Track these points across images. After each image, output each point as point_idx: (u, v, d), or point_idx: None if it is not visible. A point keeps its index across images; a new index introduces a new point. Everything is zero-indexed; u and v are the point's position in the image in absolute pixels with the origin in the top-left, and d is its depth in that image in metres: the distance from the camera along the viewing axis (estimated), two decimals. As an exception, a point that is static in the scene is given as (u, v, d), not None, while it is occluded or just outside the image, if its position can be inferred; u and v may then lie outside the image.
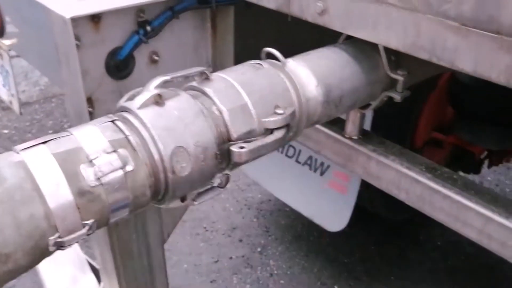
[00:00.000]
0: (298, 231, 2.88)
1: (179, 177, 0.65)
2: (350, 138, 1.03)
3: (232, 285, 2.55)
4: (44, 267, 1.55)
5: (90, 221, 0.59)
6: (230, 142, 0.70)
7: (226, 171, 0.75)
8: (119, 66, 1.10)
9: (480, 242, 0.89)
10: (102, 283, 1.49)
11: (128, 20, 1.08)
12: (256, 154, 0.70)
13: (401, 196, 0.97)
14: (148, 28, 1.10)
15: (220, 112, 0.70)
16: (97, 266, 1.57)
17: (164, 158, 0.63)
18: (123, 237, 1.18)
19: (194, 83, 0.73)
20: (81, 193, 0.58)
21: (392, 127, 2.27)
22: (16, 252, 0.54)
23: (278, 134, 0.72)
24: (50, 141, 0.60)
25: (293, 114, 0.75)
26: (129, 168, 0.61)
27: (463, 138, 2.51)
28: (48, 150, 0.59)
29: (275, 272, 2.63)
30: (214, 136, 0.68)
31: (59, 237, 0.57)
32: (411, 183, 0.94)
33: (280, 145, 0.73)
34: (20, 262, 0.55)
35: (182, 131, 0.65)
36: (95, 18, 1.03)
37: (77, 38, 1.00)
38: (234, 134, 0.70)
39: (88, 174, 0.58)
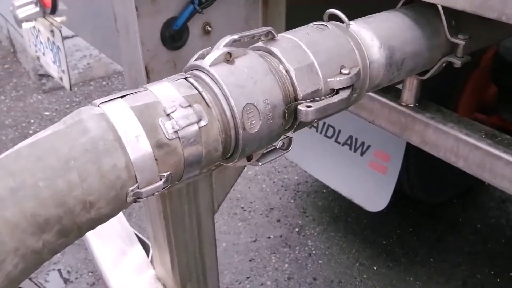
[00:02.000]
0: (335, 212, 2.88)
1: (249, 133, 0.66)
2: (406, 106, 1.02)
3: (271, 264, 2.57)
4: (93, 241, 1.60)
5: (166, 174, 0.60)
6: (297, 101, 0.70)
7: (289, 133, 0.75)
8: (174, 37, 1.11)
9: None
10: (150, 255, 1.52)
11: (183, -10, 1.09)
12: (323, 114, 0.70)
13: (460, 164, 0.95)
14: (203, -2, 1.11)
15: (287, 71, 0.70)
16: (145, 239, 1.61)
17: (235, 114, 0.64)
18: (175, 207, 1.20)
19: (260, 43, 0.74)
20: (159, 145, 0.59)
21: (436, 98, 2.23)
22: (99, 200, 0.56)
23: (344, 94, 0.72)
24: (127, 96, 0.62)
25: (358, 74, 0.75)
26: (203, 122, 0.62)
27: (506, 119, 2.45)
28: (126, 103, 0.60)
29: (314, 252, 2.64)
30: (282, 94, 0.69)
31: (138, 187, 0.59)
32: (471, 150, 0.93)
33: (345, 105, 0.73)
34: (102, 211, 0.57)
35: (252, 88, 0.66)
36: (152, -12, 1.04)
37: (136, 7, 1.01)
38: (301, 93, 0.70)
39: (166, 127, 0.60)
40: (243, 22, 1.22)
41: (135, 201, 0.61)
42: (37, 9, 1.58)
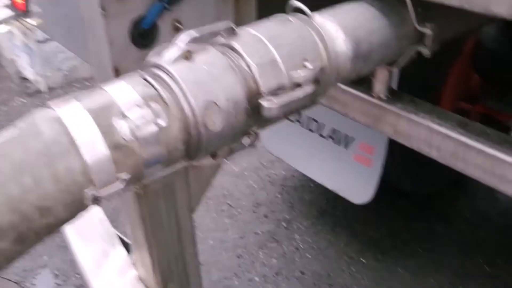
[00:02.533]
0: (323, 206, 2.88)
1: (211, 132, 0.65)
2: (378, 98, 1.01)
3: (259, 259, 2.57)
4: (75, 243, 1.58)
5: (125, 175, 0.59)
6: (260, 97, 0.69)
7: (254, 128, 0.74)
8: (144, 35, 1.10)
9: (517, 196, 0.87)
10: (133, 256, 1.51)
11: (151, -13, 1.07)
12: (287, 108, 0.70)
13: (433, 154, 0.95)
14: (171, -5, 1.09)
15: (249, 67, 0.69)
16: (127, 240, 1.60)
17: (195, 112, 0.63)
18: (153, 207, 1.19)
19: (221, 39, 0.72)
20: (116, 146, 0.58)
21: (418, 95, 2.24)
22: (56, 205, 0.55)
23: (308, 89, 0.71)
24: (82, 97, 0.60)
25: (322, 68, 0.74)
26: (162, 122, 0.61)
27: (490, 107, 2.46)
28: (81, 105, 0.59)
29: (301, 246, 2.64)
30: (244, 90, 0.67)
31: (96, 190, 0.57)
32: (443, 140, 0.92)
33: (309, 100, 0.72)
34: (60, 216, 0.56)
35: (212, 85, 0.65)
36: (119, -13, 1.02)
37: (102, 7, 0.99)
38: (264, 89, 0.69)
39: (122, 128, 0.59)
40: (214, 19, 1.20)
41: (94, 204, 0.60)
42: (11, 12, 1.56)
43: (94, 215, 1.66)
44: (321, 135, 2.48)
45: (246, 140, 0.77)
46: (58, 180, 0.55)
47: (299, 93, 0.70)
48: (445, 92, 2.41)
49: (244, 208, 2.88)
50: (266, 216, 2.82)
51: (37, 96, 4.02)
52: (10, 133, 0.56)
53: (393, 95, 1.01)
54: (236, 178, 3.08)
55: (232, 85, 0.66)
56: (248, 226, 2.76)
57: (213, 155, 0.72)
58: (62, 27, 1.32)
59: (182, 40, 0.68)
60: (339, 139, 2.41)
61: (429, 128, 0.93)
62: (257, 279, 2.47)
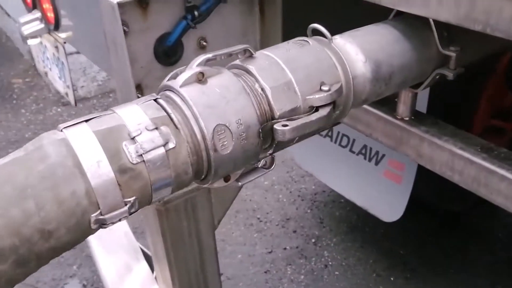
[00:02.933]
0: (353, 222, 2.83)
1: (221, 155, 0.64)
2: (401, 119, 0.99)
3: (286, 275, 2.54)
4: (99, 254, 1.60)
5: (131, 199, 0.59)
6: (274, 120, 0.68)
7: (270, 151, 0.74)
8: (168, 52, 1.11)
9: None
10: (155, 272, 1.52)
11: (176, 5, 1.08)
12: (300, 132, 0.68)
13: (455, 178, 0.92)
14: (196, 13, 1.10)
15: (263, 90, 0.69)
16: (150, 254, 1.61)
17: (206, 135, 0.63)
18: (174, 224, 1.19)
19: (237, 61, 0.72)
20: (123, 170, 0.58)
21: (448, 114, 2.18)
22: (58, 228, 0.55)
23: (323, 112, 0.70)
24: (92, 119, 0.61)
25: (339, 91, 0.72)
26: (171, 145, 0.61)
27: (524, 124, 2.37)
28: (89, 128, 0.59)
29: (330, 263, 2.60)
30: (256, 114, 0.67)
31: (101, 214, 0.58)
32: (465, 164, 0.89)
33: (325, 123, 0.71)
34: (63, 239, 0.56)
35: (224, 108, 0.64)
36: (143, 4, 1.04)
37: (125, 24, 1.01)
38: (277, 112, 0.68)
39: (129, 151, 0.59)
40: (240, 36, 1.21)
41: (100, 227, 0.60)
42: (42, 25, 1.61)
43: (119, 228, 1.68)
44: (351, 151, 2.45)
45: (262, 163, 0.77)
46: (61, 203, 0.55)
47: (313, 116, 0.69)
48: (479, 110, 2.34)
49: (273, 222, 2.86)
50: (295, 231, 2.79)
51: (72, 106, 4.14)
52: (16, 155, 0.57)
53: (417, 117, 0.99)
54: (265, 191, 3.07)
55: (244, 109, 0.66)
56: (277, 241, 2.74)
57: (226, 178, 0.71)
58: (88, 41, 1.35)
59: (196, 63, 0.68)
60: (370, 155, 2.37)
61: (452, 152, 0.90)
62: (283, 295, 2.45)
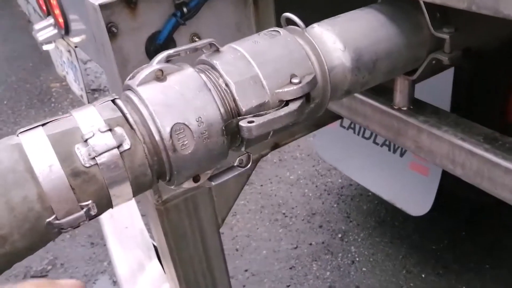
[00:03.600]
0: (381, 216, 2.75)
1: (182, 155, 0.62)
2: (399, 109, 0.93)
3: (312, 272, 2.50)
4: (115, 250, 1.61)
5: (87, 203, 0.57)
6: (239, 117, 0.65)
7: (242, 149, 0.70)
8: (160, 51, 1.08)
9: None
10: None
11: (165, 3, 1.06)
12: (268, 128, 0.65)
13: (457, 172, 0.86)
14: (185, 9, 1.07)
15: (227, 86, 0.65)
16: (164, 252, 1.61)
17: (163, 135, 0.60)
18: (175, 223, 1.18)
19: (203, 56, 0.69)
20: (75, 173, 0.56)
21: (478, 101, 2.08)
22: (12, 234, 0.54)
23: (293, 106, 0.66)
24: (49, 123, 0.60)
25: (311, 83, 0.68)
26: (125, 146, 0.59)
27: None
28: (44, 131, 0.58)
29: (357, 259, 2.54)
30: (219, 111, 0.64)
31: (56, 219, 0.56)
32: (467, 156, 0.83)
33: (297, 117, 0.67)
34: (18, 245, 0.55)
35: (183, 106, 0.62)
36: (131, 4, 1.02)
37: (114, 25, 1.00)
38: (243, 108, 0.65)
39: (82, 154, 0.57)
40: (234, 30, 1.17)
41: (59, 232, 0.59)
42: (55, 31, 1.62)
43: (136, 225, 1.69)
44: (375, 143, 2.38)
45: (238, 161, 0.73)
46: (13, 209, 0.54)
47: (282, 111, 0.65)
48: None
49: (299, 217, 2.82)
50: (321, 227, 2.74)
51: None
52: (-29, 161, 0.56)
53: (416, 107, 0.93)
54: (291, 186, 3.03)
55: (206, 106, 0.63)
56: (302, 236, 2.69)
57: (195, 179, 0.68)
58: (92, 44, 1.35)
59: (157, 60, 0.65)
60: (394, 146, 2.29)
61: (451, 143, 0.84)
62: (309, 292, 2.41)
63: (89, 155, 0.57)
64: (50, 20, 1.63)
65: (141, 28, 1.05)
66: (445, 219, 2.66)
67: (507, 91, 2.21)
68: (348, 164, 2.53)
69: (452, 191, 2.37)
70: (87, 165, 0.57)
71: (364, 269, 2.48)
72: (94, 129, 0.58)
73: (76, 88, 1.75)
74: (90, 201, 0.58)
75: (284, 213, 2.85)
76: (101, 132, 0.58)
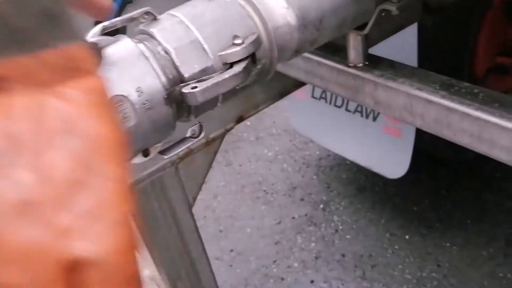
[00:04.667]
0: (361, 183, 2.77)
1: (124, 127, 0.59)
2: (354, 66, 0.91)
3: (297, 245, 2.51)
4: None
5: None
6: (181, 84, 0.62)
7: (192, 118, 0.68)
8: (109, 33, 1.05)
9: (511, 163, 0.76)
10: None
11: (108, -19, 1.02)
12: (215, 93, 0.62)
13: (417, 123, 0.85)
14: (130, -14, 1.04)
15: (167, 52, 0.63)
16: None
17: (102, 109, 0.58)
18: (144, 206, 1.15)
19: (140, 26, 0.66)
20: None
21: (445, 56, 2.08)
22: None
23: (238, 68, 0.64)
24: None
25: (255, 42, 0.66)
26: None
27: (531, 58, 2.25)
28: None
29: (340, 227, 2.55)
30: (160, 79, 0.61)
31: None
32: (424, 105, 0.82)
33: (244, 79, 0.65)
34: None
35: (120, 78, 0.59)
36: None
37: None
38: (185, 74, 0.63)
39: None
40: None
41: None
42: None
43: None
44: (347, 110, 2.37)
45: (190, 132, 0.71)
46: None
47: (227, 73, 0.63)
48: (479, 48, 2.22)
49: (280, 193, 2.82)
50: (302, 200, 2.74)
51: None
52: None
53: (371, 62, 0.91)
54: (270, 163, 3.02)
55: (144, 75, 0.60)
56: (285, 211, 2.70)
57: (145, 153, 0.66)
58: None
59: (91, 33, 0.62)
60: (366, 112, 2.29)
61: (408, 94, 0.83)
62: (296, 265, 2.42)
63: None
64: None
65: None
66: (425, 180, 2.69)
67: (473, 45, 2.21)
68: (323, 135, 2.52)
69: (429, 150, 2.39)
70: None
71: (348, 236, 2.50)
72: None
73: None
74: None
75: (265, 190, 2.84)
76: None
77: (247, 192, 2.84)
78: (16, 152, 0.34)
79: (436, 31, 2.05)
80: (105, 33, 0.64)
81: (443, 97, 0.80)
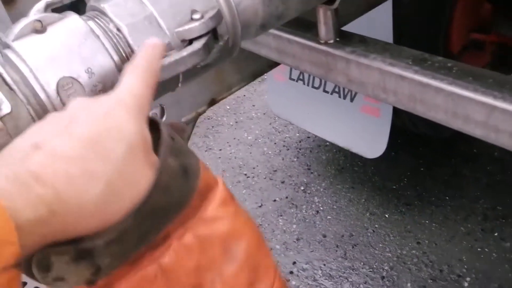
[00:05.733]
0: (340, 164, 2.75)
1: (74, 112, 0.55)
2: (325, 43, 0.88)
3: (279, 227, 2.49)
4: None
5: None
6: (137, 63, 0.58)
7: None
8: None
9: (486, 138, 0.73)
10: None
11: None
12: (172, 72, 0.58)
13: (390, 100, 0.82)
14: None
15: (119, 30, 0.58)
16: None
17: (49, 93, 0.53)
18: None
19: (90, 2, 0.62)
20: None
21: (420, 33, 2.06)
22: None
23: (197, 45, 0.60)
24: None
25: (215, 17, 0.62)
26: (5, 110, 0.52)
27: (505, 34, 2.24)
28: None
29: (321, 208, 2.54)
30: (112, 59, 0.57)
31: None
32: (397, 81, 0.79)
33: (204, 57, 0.60)
34: None
35: (68, 58, 0.54)
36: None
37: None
38: (140, 53, 0.58)
39: (-49, 125, 0.50)
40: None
41: None
42: None
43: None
44: (325, 91, 2.35)
45: (151, 113, 0.67)
46: None
47: (185, 51, 0.59)
48: (454, 25, 2.20)
49: (261, 176, 2.79)
50: (283, 182, 2.72)
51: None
52: None
53: (343, 38, 0.88)
54: (250, 146, 2.99)
55: (95, 55, 0.56)
56: (266, 194, 2.68)
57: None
58: None
59: (34, 10, 0.57)
60: (344, 92, 2.26)
61: (381, 70, 0.80)
62: (278, 247, 2.40)
63: (-38, 124, 0.50)
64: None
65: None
66: (403, 158, 2.69)
67: (448, 21, 2.19)
68: (302, 116, 2.49)
69: (406, 128, 2.38)
70: (-39, 136, 0.50)
71: (328, 217, 2.49)
72: (-36, 95, 0.51)
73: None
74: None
75: (245, 174, 2.82)
76: (-27, 97, 0.51)
77: (227, 176, 2.81)
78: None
79: (411, 7, 2.03)
80: (51, 10, 0.59)
81: (416, 72, 0.77)
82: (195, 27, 0.60)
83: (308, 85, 2.40)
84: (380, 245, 2.31)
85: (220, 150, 3.03)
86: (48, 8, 0.58)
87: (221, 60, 0.68)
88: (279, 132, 3.06)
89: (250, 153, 2.95)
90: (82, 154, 0.41)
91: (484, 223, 2.30)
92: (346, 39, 0.87)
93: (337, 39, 0.87)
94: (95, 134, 0.43)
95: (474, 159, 2.61)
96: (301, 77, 2.42)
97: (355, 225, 2.42)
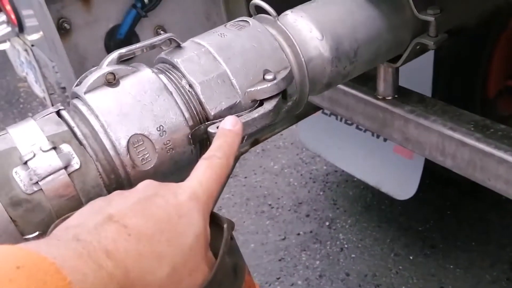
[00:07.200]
0: (367, 201, 2.70)
1: (143, 171, 0.54)
2: (383, 99, 0.86)
3: (301, 262, 2.44)
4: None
5: (34, 235, 0.49)
6: (207, 122, 0.57)
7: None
8: (121, 46, 1.00)
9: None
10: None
11: (123, -7, 0.97)
12: (243, 132, 0.57)
13: (447, 163, 0.80)
14: (146, 0, 0.99)
15: (191, 87, 0.57)
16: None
17: (119, 150, 0.52)
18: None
19: (162, 54, 0.61)
20: (15, 202, 0.48)
21: (458, 78, 2.03)
22: None
23: (268, 106, 0.58)
24: (-18, 144, 0.51)
25: (287, 78, 0.60)
26: (74, 166, 0.50)
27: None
28: (-25, 155, 0.49)
29: (346, 246, 2.49)
30: (184, 117, 0.56)
31: None
32: (457, 147, 0.76)
33: (273, 118, 0.59)
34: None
35: (140, 114, 0.53)
36: (85, -4, 0.93)
37: (67, 21, 0.91)
38: (212, 112, 0.57)
39: (22, 179, 0.49)
40: (204, 19, 1.09)
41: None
42: (9, 28, 1.51)
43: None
44: (358, 128, 2.32)
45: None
46: None
47: (255, 113, 0.57)
48: (492, 70, 2.17)
49: (285, 207, 2.75)
50: (308, 215, 2.68)
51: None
52: None
53: (401, 95, 0.86)
54: (276, 176, 2.96)
55: (167, 112, 0.55)
56: (290, 226, 2.63)
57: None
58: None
59: (107, 61, 0.57)
60: (378, 131, 2.23)
61: (441, 134, 0.78)
62: (300, 283, 2.35)
63: (31, 179, 0.48)
64: (2, 16, 1.52)
65: (98, 22, 0.96)
66: (430, 200, 2.62)
67: (487, 66, 2.16)
68: (332, 151, 2.47)
69: (437, 172, 2.34)
70: (29, 191, 0.49)
71: (353, 255, 2.43)
72: (35, 148, 0.50)
73: (38, 90, 1.64)
74: (37, 233, 0.50)
75: (270, 204, 2.78)
76: (44, 151, 0.50)
77: (252, 205, 2.78)
78: None
79: (451, 52, 2.01)
80: (121, 60, 0.59)
81: (478, 139, 0.75)
82: (267, 87, 0.58)
83: (341, 120, 2.38)
84: (403, 287, 2.25)
85: (246, 178, 3.01)
86: (121, 59, 0.58)
87: (286, 118, 0.67)
88: (306, 163, 3.02)
89: (276, 183, 2.92)
90: (154, 235, 0.42)
91: (510, 272, 2.23)
92: (405, 97, 0.85)
93: (395, 95, 0.85)
94: (168, 218, 0.43)
95: (502, 205, 2.54)
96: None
97: (379, 265, 2.36)
